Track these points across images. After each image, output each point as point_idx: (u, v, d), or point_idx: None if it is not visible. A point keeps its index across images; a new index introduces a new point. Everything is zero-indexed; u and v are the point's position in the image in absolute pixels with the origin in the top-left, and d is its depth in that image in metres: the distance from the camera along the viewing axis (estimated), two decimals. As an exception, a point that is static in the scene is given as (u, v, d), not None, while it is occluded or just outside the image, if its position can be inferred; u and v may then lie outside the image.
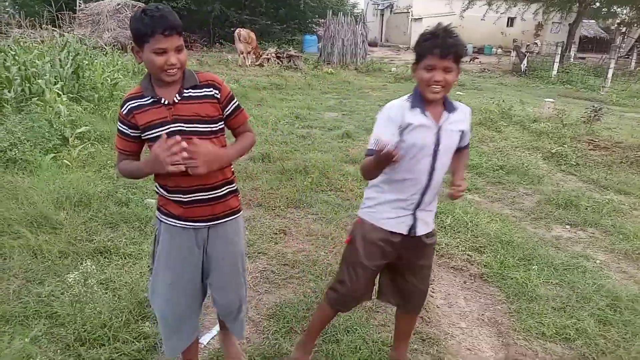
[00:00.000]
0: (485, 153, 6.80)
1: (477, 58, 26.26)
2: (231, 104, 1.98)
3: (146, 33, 1.73)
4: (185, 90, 1.86)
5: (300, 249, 3.81)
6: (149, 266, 2.22)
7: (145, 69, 1.89)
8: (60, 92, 6.42)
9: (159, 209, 2.05)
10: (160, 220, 2.04)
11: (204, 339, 2.70)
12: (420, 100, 1.98)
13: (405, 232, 2.11)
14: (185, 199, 1.94)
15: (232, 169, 2.09)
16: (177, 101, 1.85)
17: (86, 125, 5.98)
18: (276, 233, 4.03)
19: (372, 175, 2.02)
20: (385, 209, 2.12)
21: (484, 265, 3.63)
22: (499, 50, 30.64)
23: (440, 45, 1.85)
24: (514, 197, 5.27)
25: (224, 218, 2.05)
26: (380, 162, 1.82)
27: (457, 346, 2.78)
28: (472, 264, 3.67)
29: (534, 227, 4.49)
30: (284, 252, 3.71)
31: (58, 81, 7.04)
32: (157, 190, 2.01)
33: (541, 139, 7.64)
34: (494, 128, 8.38)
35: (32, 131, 5.41)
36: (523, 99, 11.40)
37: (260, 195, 4.82)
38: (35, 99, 6.23)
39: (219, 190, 2.00)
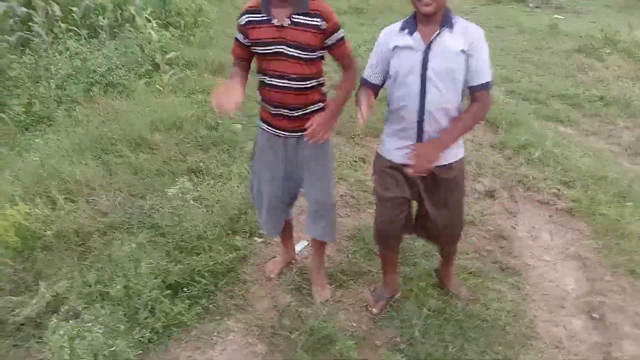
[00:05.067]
0: (583, 83, 6.29)
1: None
2: (334, 35, 2.07)
3: None
4: (294, 16, 1.98)
5: (380, 176, 3.84)
6: (250, 164, 2.52)
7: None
8: (150, 18, 6.64)
9: (260, 118, 2.32)
10: (260, 127, 2.33)
11: (297, 248, 2.91)
12: (413, 21, 1.95)
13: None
14: (272, 111, 2.19)
15: (322, 91, 2.23)
16: (286, 25, 1.99)
17: (175, 51, 6.19)
18: (356, 161, 4.07)
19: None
20: (391, 141, 2.13)
21: (573, 200, 3.48)
22: (607, -33, 27.20)
23: None
24: (612, 130, 4.90)
25: None
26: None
27: (538, 278, 2.77)
28: (560, 198, 3.53)
29: (631, 163, 4.20)
30: (363, 179, 3.77)
31: (147, 7, 7.25)
32: (258, 101, 2.28)
33: (649, 68, 6.92)
34: (595, 56, 7.65)
35: (126, 57, 5.71)
36: (631, 22, 10.22)
37: (339, 123, 4.84)
38: (127, 25, 6.50)
39: (303, 110, 2.17)
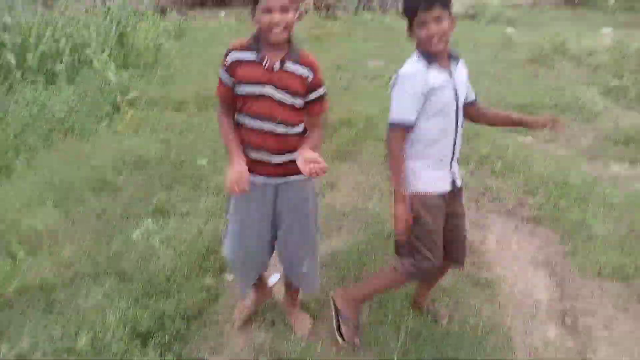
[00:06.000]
0: (536, 92, 6.50)
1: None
2: (316, 92, 2.04)
3: None
4: (287, 62, 1.95)
5: (349, 200, 3.85)
6: (224, 218, 2.39)
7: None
8: (107, 59, 6.59)
9: None
10: None
11: (270, 281, 2.83)
12: (430, 58, 2.02)
13: (450, 188, 2.21)
14: (251, 156, 2.07)
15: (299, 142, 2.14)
16: (276, 69, 1.95)
17: (135, 91, 6.15)
18: (324, 186, 4.08)
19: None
20: (431, 174, 2.17)
21: (537, 208, 3.56)
22: (552, -20, 28.45)
23: None
24: (569, 135, 5.06)
25: (291, 176, 2.11)
26: None
27: (510, 288, 2.79)
28: (524, 207, 3.61)
29: (590, 166, 4.32)
30: (333, 204, 3.77)
31: (105, 49, 7.21)
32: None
33: (598, 73, 7.21)
34: (546, 65, 7.96)
35: (85, 100, 5.63)
36: (579, 31, 10.68)
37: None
38: (85, 68, 6.44)
39: (284, 156, 2.07)
